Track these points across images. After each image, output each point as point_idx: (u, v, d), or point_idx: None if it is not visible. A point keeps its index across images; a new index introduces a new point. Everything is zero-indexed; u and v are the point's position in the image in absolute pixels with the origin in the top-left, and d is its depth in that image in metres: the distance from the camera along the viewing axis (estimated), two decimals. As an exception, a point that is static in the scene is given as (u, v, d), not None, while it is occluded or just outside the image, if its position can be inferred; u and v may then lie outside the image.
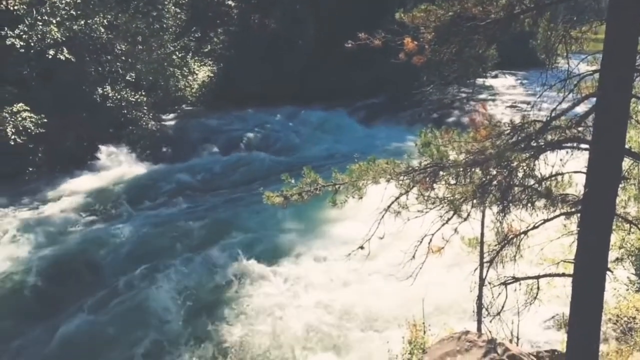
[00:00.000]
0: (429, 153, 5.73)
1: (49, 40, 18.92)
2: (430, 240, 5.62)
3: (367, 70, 25.30)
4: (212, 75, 27.18)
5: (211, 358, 9.70)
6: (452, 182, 5.47)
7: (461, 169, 5.23)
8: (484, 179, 5.24)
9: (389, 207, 5.49)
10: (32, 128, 18.32)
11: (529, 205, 5.81)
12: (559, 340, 8.83)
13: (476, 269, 6.84)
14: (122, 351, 10.16)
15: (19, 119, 18.07)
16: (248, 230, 14.43)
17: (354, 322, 10.10)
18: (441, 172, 5.75)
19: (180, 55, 24.17)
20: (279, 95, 25.05)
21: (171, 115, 24.58)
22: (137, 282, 12.14)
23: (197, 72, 26.30)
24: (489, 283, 6.43)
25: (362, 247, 5.92)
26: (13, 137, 17.85)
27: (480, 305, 7.32)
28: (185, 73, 25.04)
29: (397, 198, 5.42)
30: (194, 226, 14.89)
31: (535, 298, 6.66)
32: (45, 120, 18.66)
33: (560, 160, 5.79)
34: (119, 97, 21.21)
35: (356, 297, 10.67)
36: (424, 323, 8.02)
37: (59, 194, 17.80)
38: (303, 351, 9.75)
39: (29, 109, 18.41)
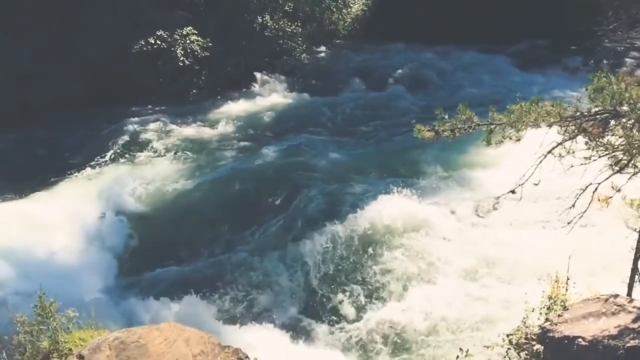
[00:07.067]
0: (601, 99, 5.27)
1: (217, -33, 19.92)
2: (595, 189, 5.25)
3: (530, 9, 23.34)
4: (365, 9, 26.87)
5: (368, 292, 10.10)
6: (626, 132, 5.02)
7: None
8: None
9: (550, 151, 5.19)
10: (199, 51, 19.73)
11: None
12: None
13: (638, 230, 6.30)
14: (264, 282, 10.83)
15: (188, 41, 19.55)
16: (391, 168, 14.37)
17: (496, 270, 9.87)
18: (612, 121, 5.29)
19: (336, -13, 24.21)
20: (432, 33, 24.07)
21: (323, 48, 24.86)
22: (280, 210, 12.80)
23: (351, 5, 26.18)
24: (652, 246, 5.91)
25: (513, 192, 5.71)
26: (182, 58, 19.40)
27: (634, 270, 6.80)
28: (340, 6, 25.07)
29: (561, 143, 5.10)
30: (338, 160, 15.18)
31: None
32: (210, 44, 19.97)
33: None
34: (276, 26, 21.89)
35: (500, 244, 10.36)
36: (567, 280, 7.62)
37: (216, 116, 19.04)
38: (435, 293, 9.82)
39: (196, 32, 19.78)
